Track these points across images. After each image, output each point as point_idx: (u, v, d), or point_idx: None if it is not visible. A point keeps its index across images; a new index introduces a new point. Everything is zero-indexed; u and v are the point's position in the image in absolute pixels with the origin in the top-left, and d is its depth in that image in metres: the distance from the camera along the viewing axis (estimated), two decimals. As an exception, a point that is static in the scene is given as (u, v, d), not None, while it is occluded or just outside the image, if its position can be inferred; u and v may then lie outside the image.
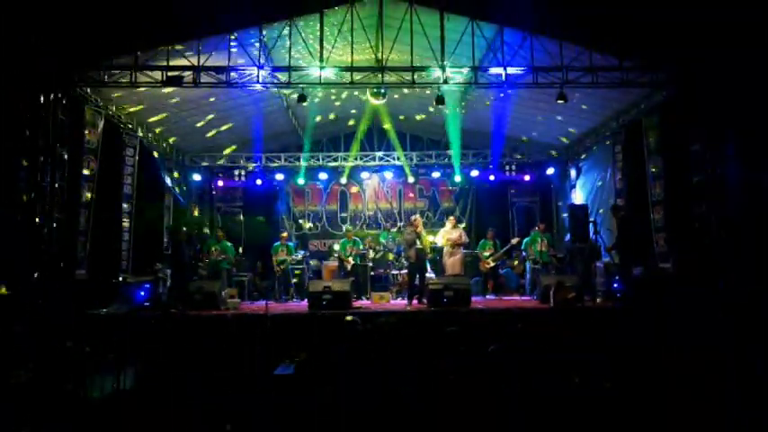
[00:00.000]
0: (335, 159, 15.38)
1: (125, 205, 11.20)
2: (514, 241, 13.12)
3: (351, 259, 12.63)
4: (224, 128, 13.37)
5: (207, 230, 14.26)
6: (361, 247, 12.98)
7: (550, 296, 9.90)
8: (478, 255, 12.99)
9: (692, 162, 9.80)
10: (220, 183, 15.42)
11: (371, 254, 13.01)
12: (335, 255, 13.56)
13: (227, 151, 14.68)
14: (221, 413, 4.68)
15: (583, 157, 14.29)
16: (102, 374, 6.33)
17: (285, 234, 13.37)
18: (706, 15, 8.01)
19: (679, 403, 3.66)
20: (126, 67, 9.61)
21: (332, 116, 14.26)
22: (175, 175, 14.11)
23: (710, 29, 8.24)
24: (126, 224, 11.20)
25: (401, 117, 14.65)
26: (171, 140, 13.69)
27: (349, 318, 6.43)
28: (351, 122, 14.92)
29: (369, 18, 10.20)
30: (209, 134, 13.61)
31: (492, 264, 12.78)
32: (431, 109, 12.91)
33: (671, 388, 3.87)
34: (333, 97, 12.83)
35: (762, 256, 8.04)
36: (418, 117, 14.50)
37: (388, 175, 15.65)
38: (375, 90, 10.80)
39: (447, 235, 11.83)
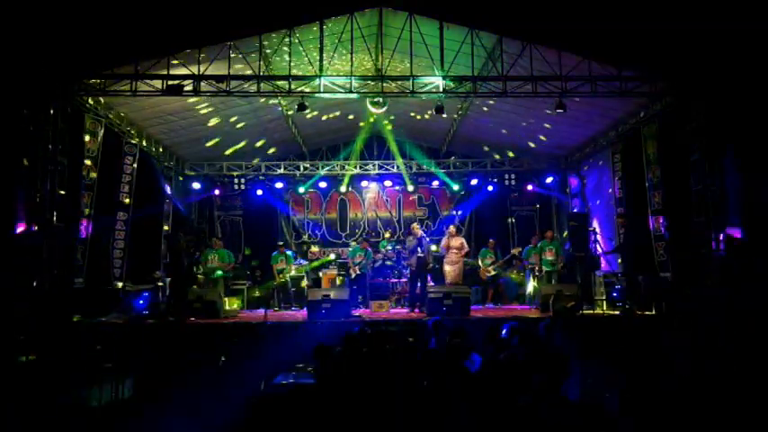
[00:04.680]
0: (335, 168, 15.41)
1: (124, 213, 11.19)
2: (515, 251, 13.11)
3: (357, 268, 12.56)
4: (223, 136, 13.40)
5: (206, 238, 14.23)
6: (371, 258, 12.89)
7: (550, 305, 9.91)
8: (479, 263, 12.99)
9: (692, 172, 9.83)
10: (217, 191, 15.39)
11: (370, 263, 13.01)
12: (347, 260, 13.46)
13: (229, 151, 14.62)
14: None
15: (584, 165, 14.32)
16: (100, 383, 6.30)
17: (282, 243, 13.32)
18: (704, 25, 8.05)
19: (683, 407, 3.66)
20: (126, 75, 9.63)
21: (328, 116, 14.26)
22: (176, 182, 14.14)
23: (709, 39, 8.28)
24: (125, 232, 11.19)
25: (405, 127, 14.70)
26: (171, 148, 13.71)
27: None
28: (350, 131, 14.94)
29: (368, 27, 10.26)
30: (209, 143, 13.63)
31: (492, 272, 12.78)
32: (428, 116, 12.97)
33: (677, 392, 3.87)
34: (332, 106, 12.86)
35: (763, 265, 8.05)
36: (417, 122, 14.53)
37: (388, 183, 15.66)
38: (374, 99, 10.83)
39: (449, 242, 11.77)
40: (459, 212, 15.71)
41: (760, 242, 8.44)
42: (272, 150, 15.09)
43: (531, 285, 12.45)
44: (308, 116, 12.65)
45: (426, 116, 13.11)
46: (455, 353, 4.77)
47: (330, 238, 15.80)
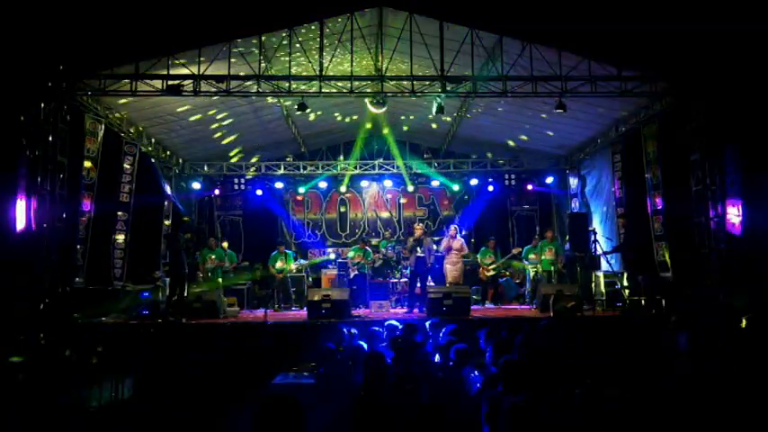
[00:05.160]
0: (335, 168, 15.40)
1: (124, 213, 11.18)
2: (515, 251, 13.11)
3: (356, 268, 12.60)
4: (223, 136, 13.40)
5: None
6: (370, 259, 12.92)
7: (550, 305, 9.91)
8: (479, 263, 12.99)
9: (692, 172, 9.82)
10: (217, 191, 15.38)
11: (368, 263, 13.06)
12: (334, 264, 13.57)
13: (234, 152, 14.61)
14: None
15: (584, 165, 14.32)
16: (100, 383, 6.30)
17: (282, 246, 13.31)
18: (704, 25, 8.05)
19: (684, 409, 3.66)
20: (126, 75, 9.63)
21: (328, 116, 14.27)
22: (176, 182, 14.13)
23: (709, 39, 8.28)
24: (125, 232, 11.18)
25: (405, 127, 14.70)
26: (171, 148, 13.71)
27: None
28: (350, 131, 14.94)
29: (368, 27, 10.26)
30: (209, 142, 13.63)
31: (492, 272, 12.78)
32: (430, 117, 12.94)
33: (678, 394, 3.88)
34: (332, 106, 12.85)
35: (762, 266, 8.05)
36: (417, 122, 14.52)
37: (388, 183, 15.65)
38: (374, 99, 10.83)
39: (451, 244, 11.82)
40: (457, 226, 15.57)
41: (760, 242, 8.44)
42: (271, 150, 15.08)
43: (530, 285, 12.45)
44: (309, 117, 12.64)
45: (426, 116, 13.09)
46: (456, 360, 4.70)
47: (330, 237, 15.81)
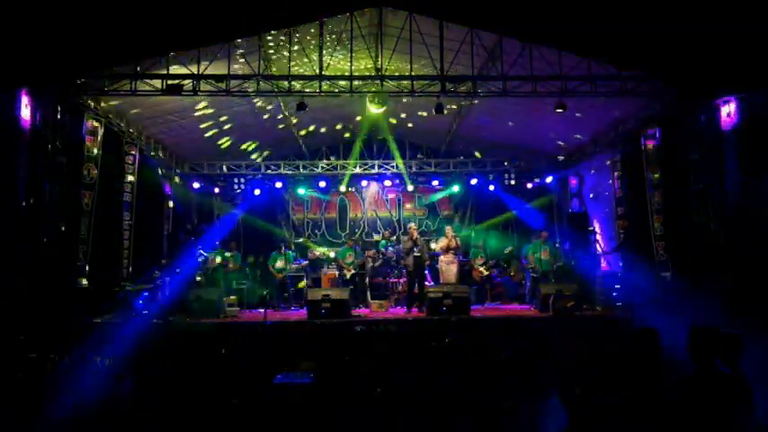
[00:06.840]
0: (335, 167, 15.41)
1: (125, 213, 11.18)
2: (507, 250, 13.14)
3: (352, 268, 12.61)
4: (224, 137, 13.40)
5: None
6: (361, 258, 12.94)
7: (550, 305, 9.92)
8: (471, 263, 13.02)
9: (692, 171, 9.81)
10: (216, 191, 15.38)
11: (370, 262, 13.04)
12: (333, 264, 13.57)
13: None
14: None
15: (584, 165, 14.32)
16: (100, 383, 6.30)
17: (282, 246, 13.33)
18: (704, 25, 8.04)
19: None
20: (126, 75, 9.64)
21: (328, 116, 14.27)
22: (176, 181, 14.13)
23: (709, 38, 8.27)
24: (126, 232, 11.18)
25: (406, 123, 14.69)
26: (171, 148, 13.70)
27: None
28: (350, 131, 14.94)
29: (368, 27, 10.26)
30: (209, 142, 13.62)
31: (485, 272, 12.79)
32: (427, 115, 12.95)
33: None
34: (332, 105, 12.85)
35: (761, 264, 8.05)
36: (416, 122, 14.51)
37: (388, 183, 15.66)
38: (374, 99, 10.82)
39: (448, 244, 11.88)
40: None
41: (760, 241, 8.44)
42: (271, 150, 15.09)
43: (530, 285, 12.46)
44: (308, 116, 12.63)
45: (426, 115, 13.09)
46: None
47: (330, 237, 15.82)
